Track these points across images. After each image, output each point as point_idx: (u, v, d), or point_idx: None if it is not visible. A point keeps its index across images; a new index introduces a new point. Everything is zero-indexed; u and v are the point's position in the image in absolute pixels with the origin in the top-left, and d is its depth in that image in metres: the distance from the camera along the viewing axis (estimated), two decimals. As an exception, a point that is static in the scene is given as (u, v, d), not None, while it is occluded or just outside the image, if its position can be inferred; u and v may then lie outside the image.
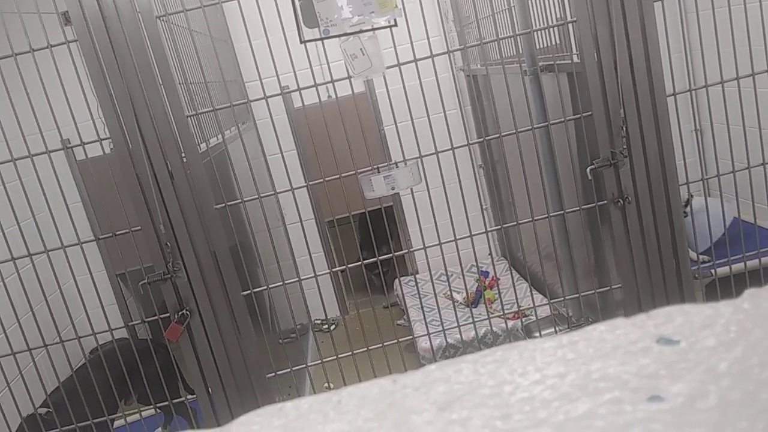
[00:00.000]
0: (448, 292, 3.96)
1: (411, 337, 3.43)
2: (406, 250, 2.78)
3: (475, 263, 2.68)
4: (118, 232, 2.18)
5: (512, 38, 2.57)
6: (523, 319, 3.22)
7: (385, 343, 2.37)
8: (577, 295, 2.51)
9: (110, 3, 1.95)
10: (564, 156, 2.59)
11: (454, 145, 2.26)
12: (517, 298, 2.67)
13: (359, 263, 2.37)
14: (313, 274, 2.32)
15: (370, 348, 2.36)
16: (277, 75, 2.17)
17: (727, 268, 2.42)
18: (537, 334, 2.94)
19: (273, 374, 2.35)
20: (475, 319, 2.59)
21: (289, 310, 2.60)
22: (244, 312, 2.25)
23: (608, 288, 2.43)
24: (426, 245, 2.36)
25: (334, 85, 2.20)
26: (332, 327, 4.40)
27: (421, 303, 2.65)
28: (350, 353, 2.36)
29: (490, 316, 2.69)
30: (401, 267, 4.58)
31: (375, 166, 2.20)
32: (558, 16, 2.44)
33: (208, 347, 2.23)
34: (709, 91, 2.29)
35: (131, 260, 2.34)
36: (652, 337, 0.48)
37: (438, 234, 2.33)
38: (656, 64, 2.13)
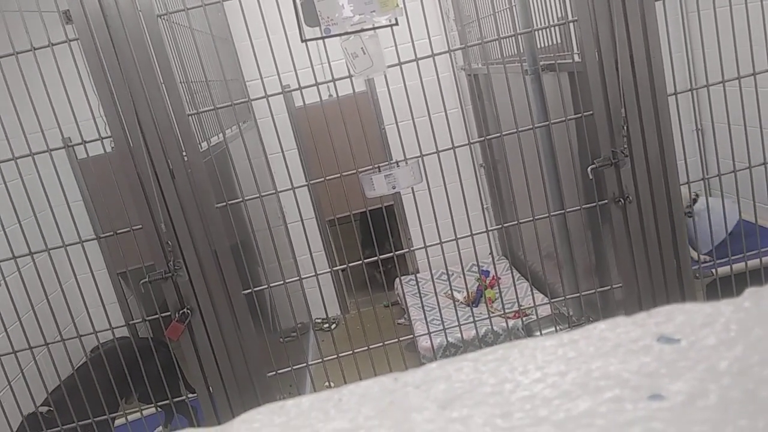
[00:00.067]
0: (449, 291, 3.96)
1: (412, 336, 3.44)
2: (407, 249, 2.78)
3: (475, 262, 2.68)
4: (119, 231, 2.18)
5: (513, 37, 2.57)
6: (524, 319, 3.22)
7: (385, 342, 2.37)
8: (578, 294, 2.51)
9: (111, 1, 1.95)
10: (565, 155, 2.59)
11: (455, 144, 2.26)
12: (517, 298, 2.67)
13: (360, 262, 2.37)
14: (313, 273, 2.32)
15: (370, 347, 2.36)
16: (278, 74, 2.17)
17: (728, 267, 2.42)
18: (538, 334, 2.94)
19: (274, 373, 2.36)
20: (476, 319, 2.59)
21: (290, 308, 2.60)
22: (245, 311, 2.25)
23: (609, 287, 2.43)
24: (427, 244, 2.36)
25: (335, 84, 2.20)
26: (333, 326, 4.40)
27: (421, 302, 2.65)
28: (351, 352, 2.36)
29: (491, 315, 2.69)
30: (402, 266, 4.58)
31: (376, 165, 2.20)
32: (559, 15, 2.44)
33: (209, 346, 2.23)
34: (711, 90, 2.29)
35: (132, 259, 2.35)
36: (653, 335, 0.48)
37: (439, 233, 2.33)
38: (657, 63, 2.13)
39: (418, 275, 4.23)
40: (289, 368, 2.38)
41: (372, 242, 3.94)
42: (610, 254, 2.50)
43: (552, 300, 2.63)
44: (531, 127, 2.32)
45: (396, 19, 2.05)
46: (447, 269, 2.72)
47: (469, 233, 2.32)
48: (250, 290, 2.26)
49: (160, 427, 3.16)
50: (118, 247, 2.25)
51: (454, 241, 2.32)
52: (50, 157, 2.09)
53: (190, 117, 2.14)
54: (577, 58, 2.37)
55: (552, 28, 2.63)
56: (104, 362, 2.34)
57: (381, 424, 0.44)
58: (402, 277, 4.29)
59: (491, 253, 2.91)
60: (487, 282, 4.03)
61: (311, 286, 2.49)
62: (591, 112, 2.21)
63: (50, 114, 1.99)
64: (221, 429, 0.47)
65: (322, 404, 0.47)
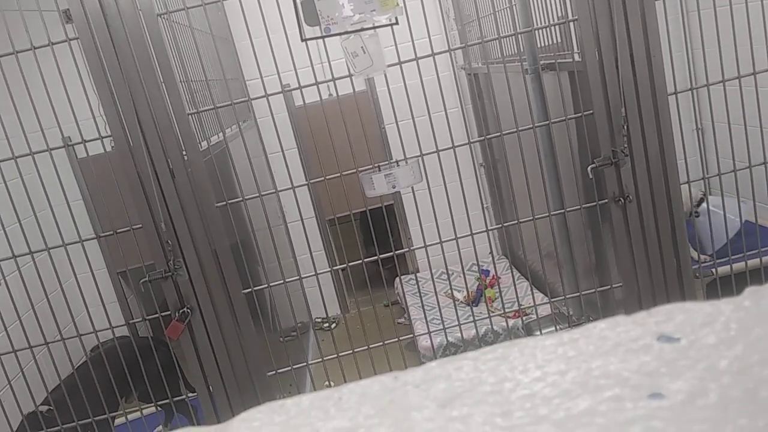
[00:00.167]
0: (449, 291, 3.96)
1: (412, 335, 3.44)
2: (407, 249, 2.78)
3: (475, 262, 2.68)
4: (119, 230, 2.18)
5: (513, 36, 2.57)
6: (524, 318, 3.22)
7: (385, 342, 2.37)
8: (578, 293, 2.51)
9: (111, 1, 1.95)
10: (565, 154, 2.59)
11: (455, 144, 2.26)
12: (517, 297, 2.67)
13: (360, 261, 2.37)
14: (314, 272, 2.32)
15: (370, 346, 2.36)
16: (278, 73, 2.17)
17: (728, 267, 2.42)
18: (538, 333, 2.94)
19: (274, 372, 2.36)
20: (476, 318, 2.59)
21: (290, 308, 2.60)
22: (245, 310, 2.25)
23: (609, 287, 2.43)
24: (427, 244, 2.36)
25: (335, 83, 2.20)
26: (333, 325, 4.40)
27: (421, 301, 2.65)
28: (351, 351, 2.36)
29: (491, 314, 2.69)
30: (402, 266, 4.58)
31: (376, 165, 2.20)
32: (559, 14, 2.44)
33: (209, 345, 2.23)
34: (711, 89, 2.29)
35: (132, 258, 2.35)
36: (653, 334, 0.48)
37: (439, 232, 2.33)
38: (657, 62, 2.13)
39: (418, 274, 4.23)
40: (289, 368, 2.38)
41: (372, 241, 3.94)
42: (610, 254, 2.50)
43: (552, 299, 2.63)
44: (531, 126, 2.32)
45: (396, 18, 2.05)
46: (447, 269, 2.72)
47: (469, 232, 2.32)
48: (250, 289, 2.26)
49: (160, 427, 3.16)
50: (118, 246, 2.25)
51: (454, 241, 2.32)
52: (50, 156, 2.09)
53: (190, 116, 2.14)
54: (577, 58, 2.37)
55: (552, 28, 2.63)
56: (104, 361, 2.34)
57: (381, 423, 0.44)
58: (402, 277, 4.29)
59: (491, 252, 2.91)
60: (487, 281, 4.03)
61: (311, 285, 2.49)
62: (591, 112, 2.21)
63: (50, 113, 1.99)
64: (221, 427, 0.47)
65: (322, 403, 0.47)
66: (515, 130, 2.26)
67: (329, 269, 2.85)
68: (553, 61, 2.54)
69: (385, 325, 3.92)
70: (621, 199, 2.24)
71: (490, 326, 3.29)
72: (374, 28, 2.05)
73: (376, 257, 2.36)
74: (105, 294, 2.36)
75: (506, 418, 0.41)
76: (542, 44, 2.79)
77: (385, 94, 2.25)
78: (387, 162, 2.22)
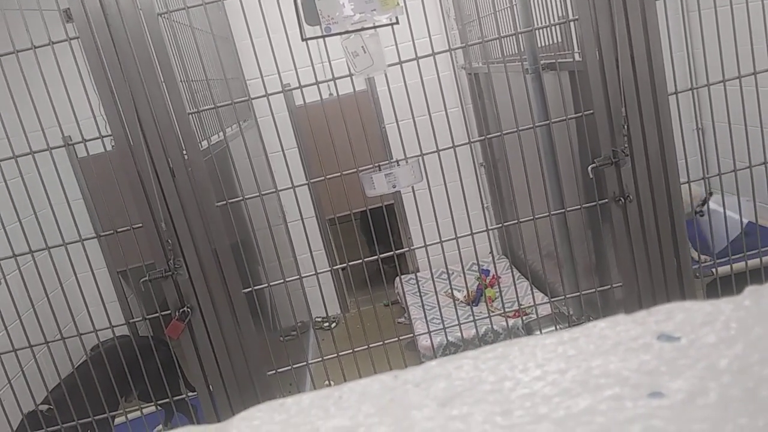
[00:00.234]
0: (449, 290, 3.96)
1: (412, 335, 3.44)
2: (407, 248, 2.78)
3: (476, 261, 2.68)
4: (119, 229, 2.18)
5: (514, 36, 2.57)
6: (524, 318, 3.22)
7: (385, 341, 2.37)
8: (578, 293, 2.51)
9: (112, 0, 1.95)
10: (565, 154, 2.59)
11: (456, 143, 2.26)
12: (517, 297, 2.67)
13: (360, 261, 2.37)
14: (314, 272, 2.32)
15: (370, 346, 2.36)
16: (279, 72, 2.17)
17: (728, 267, 2.42)
18: (538, 333, 2.94)
19: (274, 372, 2.36)
20: (476, 318, 2.59)
21: (290, 307, 2.60)
22: (245, 309, 2.25)
23: (609, 287, 2.43)
24: (427, 243, 2.36)
25: (335, 83, 2.19)
26: (333, 325, 4.40)
27: (421, 301, 2.65)
28: (351, 351, 2.36)
29: (491, 314, 2.69)
30: (402, 265, 4.58)
31: (376, 164, 2.20)
32: (560, 14, 2.44)
33: (209, 344, 2.23)
34: (711, 89, 2.29)
35: (132, 257, 2.35)
36: (653, 333, 0.48)
37: (439, 232, 2.33)
38: (658, 62, 2.13)
39: (418, 274, 4.23)
40: (289, 367, 2.38)
41: (372, 241, 3.95)
42: (610, 253, 2.50)
43: (552, 299, 2.63)
44: (531, 126, 2.32)
45: (396, 18, 2.05)
46: (447, 268, 2.72)
47: (470, 232, 2.32)
48: (250, 289, 2.26)
49: (160, 426, 3.16)
50: (119, 245, 2.25)
51: (455, 240, 2.32)
52: (50, 155, 2.09)
53: (190, 115, 2.14)
54: (577, 57, 2.37)
55: (552, 27, 2.63)
56: (104, 361, 2.34)
57: (381, 422, 0.44)
58: (402, 276, 4.29)
59: (491, 252, 2.91)
60: (487, 281, 4.03)
61: (311, 284, 2.49)
62: (591, 111, 2.21)
63: (50, 112, 1.99)
64: (222, 426, 0.47)
65: (323, 402, 0.47)
66: (515, 129, 2.26)
67: (329, 269, 2.85)
68: (554, 60, 2.54)
69: (385, 325, 3.92)
70: (621, 198, 2.24)
71: (490, 326, 3.29)
72: (375, 27, 2.05)
73: (376, 257, 2.36)
74: (105, 293, 2.36)
75: (506, 417, 0.41)
76: (543, 44, 2.79)
77: (385, 94, 2.25)
78: (387, 161, 2.22)
